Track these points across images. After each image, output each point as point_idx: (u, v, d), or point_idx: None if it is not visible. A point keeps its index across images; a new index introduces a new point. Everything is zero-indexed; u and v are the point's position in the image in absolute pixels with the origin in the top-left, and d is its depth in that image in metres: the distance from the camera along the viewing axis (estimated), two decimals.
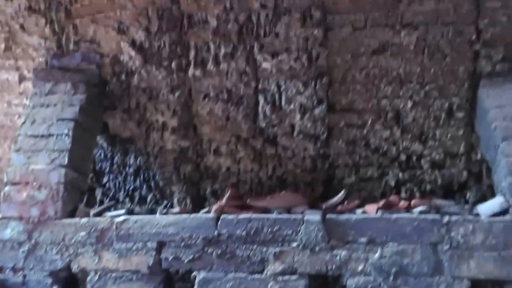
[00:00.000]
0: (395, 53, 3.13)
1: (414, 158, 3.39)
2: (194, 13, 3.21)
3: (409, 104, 3.25)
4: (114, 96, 3.49)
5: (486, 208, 2.72)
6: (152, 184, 3.70)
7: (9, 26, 3.44)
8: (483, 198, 3.25)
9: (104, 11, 3.31)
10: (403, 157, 3.39)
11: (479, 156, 3.29)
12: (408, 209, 2.78)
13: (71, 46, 3.43)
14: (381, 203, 2.85)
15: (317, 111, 3.32)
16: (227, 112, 3.42)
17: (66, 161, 3.13)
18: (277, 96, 3.35)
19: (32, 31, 3.42)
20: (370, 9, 3.06)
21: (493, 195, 2.99)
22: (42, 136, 3.24)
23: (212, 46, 3.28)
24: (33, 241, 2.96)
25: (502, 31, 3.01)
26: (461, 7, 2.99)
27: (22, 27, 3.42)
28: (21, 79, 3.61)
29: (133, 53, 3.35)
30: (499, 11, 2.98)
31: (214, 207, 2.94)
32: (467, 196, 3.40)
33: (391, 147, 3.37)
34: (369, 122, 3.33)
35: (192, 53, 3.31)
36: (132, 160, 3.68)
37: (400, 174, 3.42)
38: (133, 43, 3.33)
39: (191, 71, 3.34)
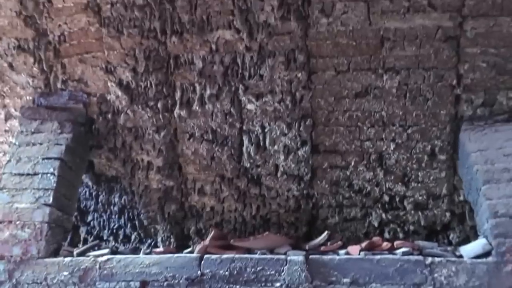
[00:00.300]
0: (377, 96, 3.15)
1: (397, 199, 3.35)
2: (180, 55, 3.23)
3: (392, 146, 3.23)
4: (100, 135, 3.46)
5: (469, 249, 2.70)
6: (137, 223, 3.64)
7: None
8: (466, 239, 3.23)
9: (92, 51, 3.31)
10: (386, 198, 3.35)
11: (462, 198, 3.26)
12: (391, 250, 2.75)
13: (59, 85, 3.41)
14: (364, 244, 2.83)
15: (301, 152, 3.30)
16: (212, 152, 3.39)
17: (51, 200, 3.07)
18: (261, 137, 3.34)
19: (20, 69, 3.40)
20: (353, 53, 3.09)
21: (476, 236, 2.97)
22: (28, 174, 3.19)
23: (197, 87, 3.28)
24: (14, 280, 2.87)
25: (482, 77, 3.04)
26: (442, 53, 3.02)
27: (10, 65, 3.40)
28: (8, 117, 3.58)
29: (119, 92, 3.33)
30: (479, 57, 3.02)
31: (198, 247, 2.90)
32: (451, 237, 3.36)
33: (374, 188, 3.34)
34: (353, 164, 3.31)
35: (178, 94, 3.31)
36: (117, 199, 3.62)
37: (384, 215, 3.38)
38: (120, 83, 3.32)
39: (176, 111, 3.33)
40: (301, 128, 3.26)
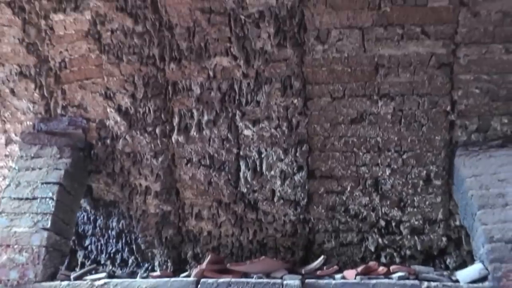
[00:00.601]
0: (373, 122, 3.13)
1: (393, 224, 3.31)
2: (178, 81, 3.23)
3: (388, 171, 3.21)
4: (99, 160, 3.44)
5: (466, 274, 2.68)
6: (134, 247, 3.60)
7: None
8: (463, 264, 3.18)
9: (92, 78, 3.31)
10: (382, 222, 3.31)
11: (458, 223, 3.22)
12: (387, 274, 2.71)
13: (59, 111, 3.41)
14: (360, 268, 2.80)
15: (297, 177, 3.27)
16: (209, 177, 3.37)
17: (49, 224, 3.05)
18: (258, 162, 3.32)
19: (21, 95, 3.40)
20: (348, 80, 3.09)
21: (473, 260, 2.93)
22: (26, 199, 3.16)
23: (195, 113, 3.27)
24: None
25: (475, 103, 3.03)
26: (436, 79, 3.01)
27: (12, 91, 3.41)
28: (8, 141, 3.56)
29: (118, 118, 3.32)
30: (472, 83, 3.01)
31: (194, 271, 2.86)
32: (447, 261, 3.31)
33: (370, 213, 3.30)
34: (349, 189, 3.28)
35: (176, 120, 3.30)
36: (114, 223, 3.58)
37: (380, 240, 3.33)
38: (119, 109, 3.31)
39: (174, 137, 3.32)
40: (297, 154, 3.24)
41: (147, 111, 3.30)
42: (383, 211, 3.28)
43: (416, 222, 3.28)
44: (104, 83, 3.28)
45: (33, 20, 3.22)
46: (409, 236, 3.31)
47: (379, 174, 3.22)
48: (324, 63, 3.07)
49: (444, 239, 3.29)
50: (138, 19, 3.12)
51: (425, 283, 2.50)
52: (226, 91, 3.21)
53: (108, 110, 3.34)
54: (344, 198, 3.30)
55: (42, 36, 3.25)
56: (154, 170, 3.40)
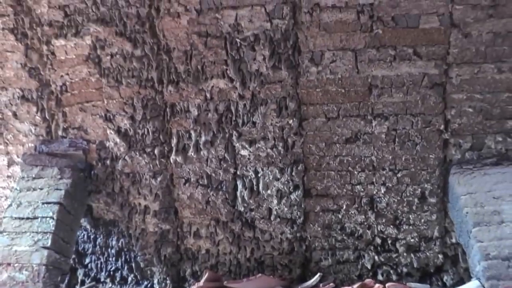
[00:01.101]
0: (367, 141, 3.10)
1: (390, 241, 3.25)
2: (176, 103, 3.22)
3: (383, 189, 3.15)
4: (99, 180, 3.42)
5: None
6: (133, 265, 3.55)
7: (2, 113, 3.44)
8: (460, 281, 3.12)
9: (92, 100, 3.31)
10: (378, 240, 3.25)
11: (454, 240, 3.16)
12: None
13: (60, 133, 3.40)
14: (357, 285, 2.77)
15: (293, 196, 3.24)
16: (207, 196, 3.34)
17: (49, 243, 3.03)
18: (255, 182, 3.28)
19: (23, 118, 3.40)
20: (342, 100, 3.06)
21: (470, 278, 2.86)
22: (27, 218, 3.14)
23: (193, 134, 3.26)
24: None
25: (469, 121, 2.99)
26: (429, 99, 2.98)
27: (14, 114, 3.41)
28: (10, 163, 3.54)
29: (118, 139, 3.30)
30: (465, 102, 2.97)
31: None
32: (445, 279, 3.24)
33: (366, 231, 3.24)
34: (344, 207, 3.22)
35: (174, 140, 3.28)
36: (114, 242, 3.53)
37: (376, 257, 3.27)
38: (118, 131, 3.30)
39: (173, 157, 3.30)
40: (293, 173, 3.21)
41: (146, 132, 3.29)
42: (379, 229, 3.23)
43: (412, 240, 3.22)
44: (104, 106, 3.28)
45: (35, 45, 3.24)
46: (405, 254, 3.24)
47: (374, 193, 3.17)
48: (319, 84, 3.05)
49: (440, 256, 3.23)
50: (137, 43, 3.14)
51: None
52: (223, 112, 3.20)
53: (108, 131, 3.33)
54: (340, 216, 3.25)
55: (44, 61, 3.27)
56: (153, 190, 3.38)
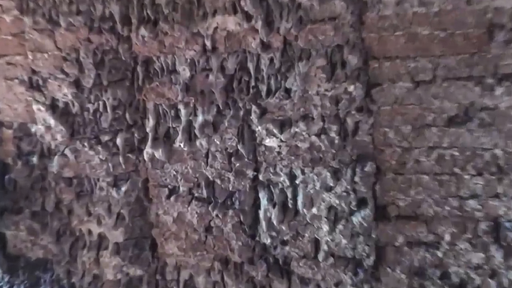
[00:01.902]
0: (486, 122, 3.01)
1: None
2: (153, 57, 3.20)
3: None
4: (18, 190, 3.43)
5: None
6: None
7: None
8: None
9: (7, 54, 3.29)
10: None
11: None
12: None
13: None
14: None
15: (357, 218, 3.19)
16: (206, 218, 3.30)
17: None
18: (289, 193, 3.22)
19: None
20: (441, 51, 2.99)
21: None
22: None
23: (182, 111, 3.22)
24: None
25: None
26: None
27: None
28: None
29: (52, 121, 3.29)
30: None
31: None
32: None
33: (486, 279, 3.13)
34: (447, 238, 3.14)
35: (149, 122, 3.23)
36: None
37: None
38: (52, 106, 3.27)
39: (148, 150, 3.24)
40: (356, 178, 3.17)
41: (100, 108, 3.29)
42: (510, 277, 3.17)
43: None
44: (27, 64, 3.30)
45: None
46: None
47: (501, 213, 3.11)
48: (399, 24, 3.05)
49: None
50: None
51: None
52: (233, 74, 3.19)
53: (35, 107, 3.37)
54: (440, 255, 3.21)
55: None
56: (113, 207, 3.41)
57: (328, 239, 3.30)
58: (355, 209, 3.25)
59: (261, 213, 3.34)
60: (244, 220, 3.35)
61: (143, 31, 3.18)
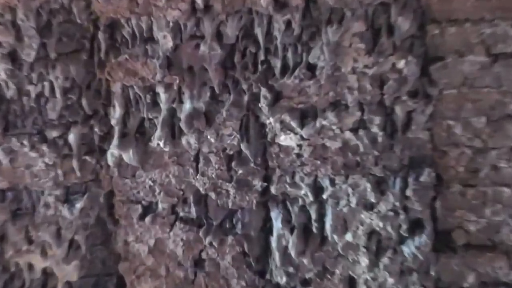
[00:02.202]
0: None
1: None
2: (120, 18, 2.93)
3: None
4: None
5: None
6: None
7: None
8: None
9: None
10: None
11: None
12: None
13: None
14: None
15: (409, 248, 2.94)
16: (196, 247, 3.09)
17: None
18: (314, 213, 2.98)
19: None
20: None
21: None
22: None
23: (162, 95, 2.99)
24: None
25: None
26: None
27: None
28: None
29: None
30: None
31: None
32: None
33: None
34: None
35: (115, 112, 3.01)
36: None
37: None
38: None
39: (113, 151, 3.03)
40: (408, 192, 2.99)
41: (46, 91, 3.14)
42: None
43: None
44: None
45: None
46: None
47: None
48: None
49: None
50: None
51: None
52: (234, 43, 3.02)
53: None
54: None
55: None
56: (63, 232, 3.25)
57: (368, 278, 3.16)
58: (407, 235, 3.08)
59: (273, 241, 3.19)
60: (249, 251, 3.22)
61: None
